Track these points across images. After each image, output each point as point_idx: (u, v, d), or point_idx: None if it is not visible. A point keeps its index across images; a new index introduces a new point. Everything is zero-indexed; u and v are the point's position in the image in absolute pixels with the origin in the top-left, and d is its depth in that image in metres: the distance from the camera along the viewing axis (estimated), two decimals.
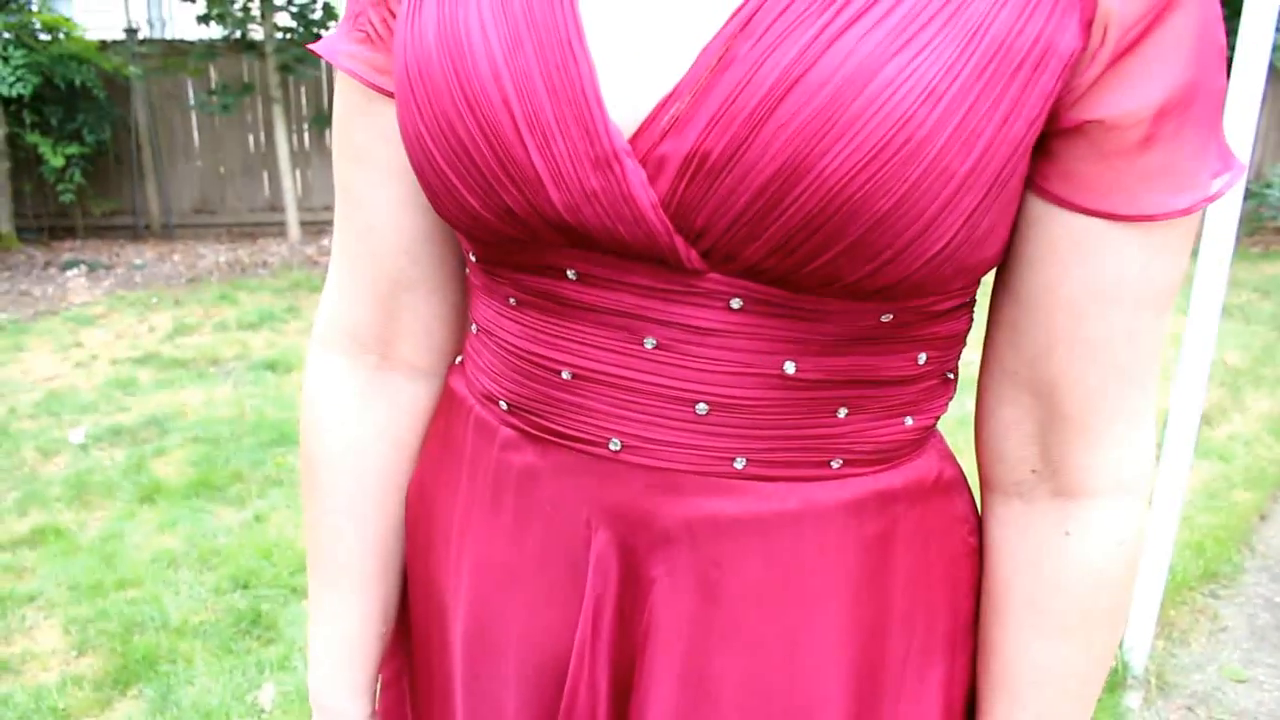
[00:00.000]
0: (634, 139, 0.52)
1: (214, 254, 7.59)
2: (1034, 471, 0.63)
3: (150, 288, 6.56)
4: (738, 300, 0.55)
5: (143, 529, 3.18)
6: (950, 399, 0.66)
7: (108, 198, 7.99)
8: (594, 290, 0.57)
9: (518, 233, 0.57)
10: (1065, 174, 0.54)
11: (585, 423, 0.60)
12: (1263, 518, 3.33)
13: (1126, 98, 0.51)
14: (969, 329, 0.64)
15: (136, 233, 8.11)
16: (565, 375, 0.60)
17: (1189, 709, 2.37)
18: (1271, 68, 8.17)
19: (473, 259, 0.64)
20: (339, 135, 0.69)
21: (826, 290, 0.53)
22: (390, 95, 0.64)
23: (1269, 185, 7.75)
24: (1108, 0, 0.50)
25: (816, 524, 0.60)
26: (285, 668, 2.44)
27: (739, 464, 0.58)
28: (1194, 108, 0.52)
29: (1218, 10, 0.53)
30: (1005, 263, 0.59)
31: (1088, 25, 0.50)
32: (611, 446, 0.59)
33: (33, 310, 5.98)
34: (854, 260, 0.51)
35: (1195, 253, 2.33)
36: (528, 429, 0.63)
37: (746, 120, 0.49)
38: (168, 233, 8.16)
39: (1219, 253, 2.21)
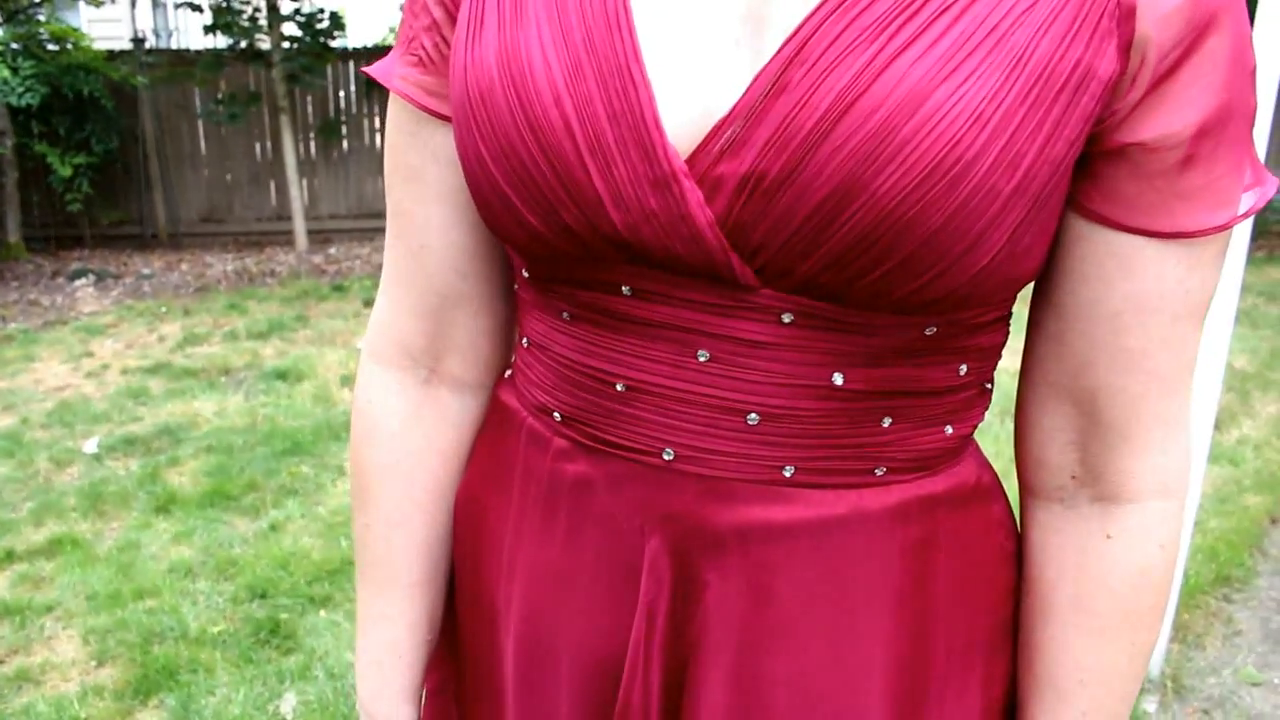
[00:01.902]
0: (690, 160, 0.54)
1: (221, 263, 7.61)
2: (1074, 477, 0.65)
3: (159, 297, 6.58)
4: (789, 315, 0.57)
5: (159, 539, 3.20)
6: (986, 408, 0.68)
7: (115, 207, 8.03)
8: (648, 305, 0.59)
9: (575, 250, 0.59)
10: (1108, 194, 0.57)
11: (639, 433, 0.62)
12: (1274, 521, 3.33)
13: (1167, 120, 0.54)
14: (1005, 340, 0.66)
15: (144, 242, 8.14)
16: (619, 387, 0.62)
17: (1205, 712, 2.38)
18: None
19: (525, 275, 0.66)
20: (391, 156, 0.71)
21: (876, 304, 0.56)
22: (441, 117, 0.66)
23: None
24: (1146, 25, 0.52)
25: (862, 529, 0.62)
26: (306, 677, 2.45)
27: (788, 472, 0.60)
28: (1229, 128, 0.55)
29: (1248, 32, 0.55)
30: (1048, 276, 0.62)
31: (1126, 49, 0.53)
32: (665, 456, 0.61)
33: (42, 320, 6.00)
34: (904, 275, 0.53)
35: None
36: (582, 440, 0.65)
37: (802, 143, 0.51)
38: (175, 242, 8.19)
39: (1232, 259, 2.23)
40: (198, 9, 7.65)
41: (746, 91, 0.53)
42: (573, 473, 0.65)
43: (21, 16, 7.77)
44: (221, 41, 7.86)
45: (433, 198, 0.69)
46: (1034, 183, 0.53)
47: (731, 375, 0.59)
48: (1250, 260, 7.19)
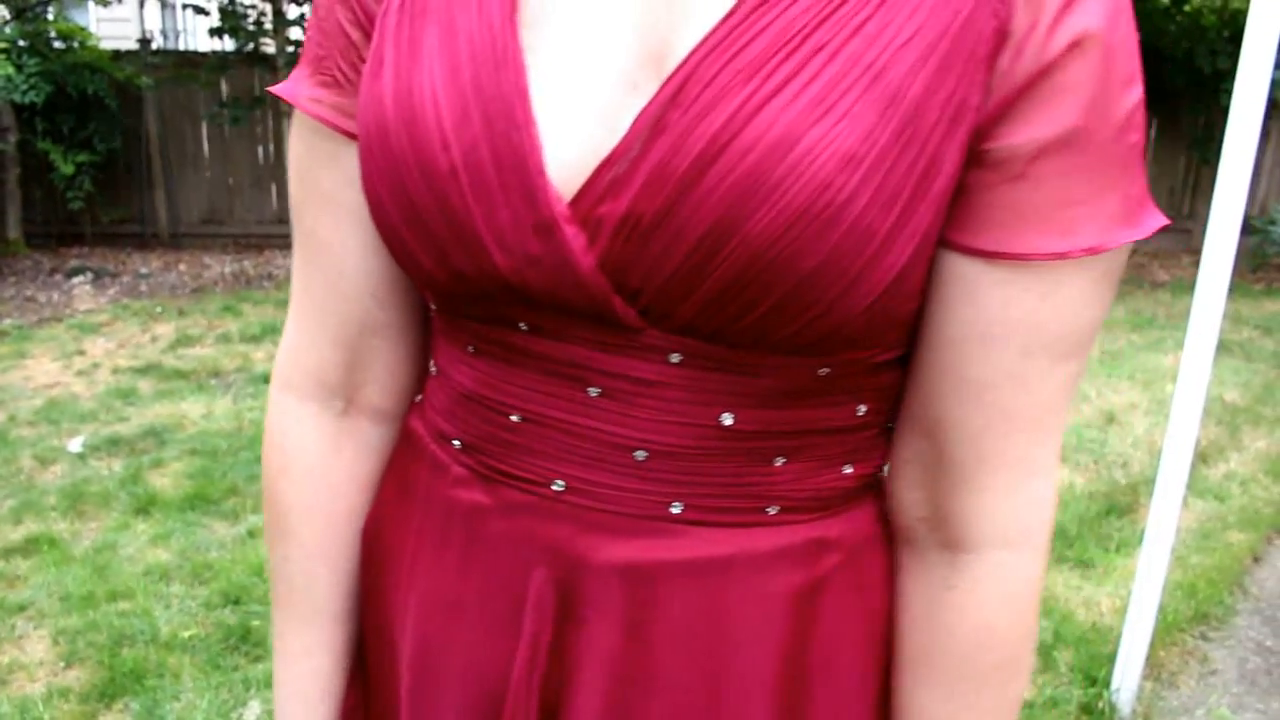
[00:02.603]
0: (575, 201, 0.54)
1: (220, 265, 7.62)
2: (922, 519, 0.64)
3: (155, 297, 6.59)
4: (676, 355, 0.57)
5: (136, 541, 3.19)
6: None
7: (116, 206, 8.04)
8: (543, 341, 0.59)
9: (469, 290, 0.59)
10: (952, 215, 0.56)
11: (531, 464, 0.62)
12: (1256, 559, 3.32)
13: (1010, 132, 0.53)
14: None
15: (144, 241, 8.15)
16: (514, 418, 0.62)
17: None
18: (1272, 103, 8.19)
19: (434, 308, 0.66)
20: (302, 181, 0.69)
21: (759, 346, 0.55)
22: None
23: (1273, 221, 7.75)
24: (1013, 44, 0.52)
25: (748, 570, 0.61)
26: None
27: (676, 509, 0.60)
28: (1086, 155, 0.53)
29: (1129, 70, 0.54)
30: None
31: (992, 69, 0.53)
32: (554, 487, 0.61)
33: (37, 317, 6.01)
34: (782, 317, 0.53)
35: (1191, 288, 2.33)
36: (479, 468, 0.65)
37: (677, 185, 0.51)
38: (175, 242, 8.20)
39: (1214, 289, 2.22)
40: (203, 12, 7.68)
41: (628, 132, 0.53)
42: (468, 500, 0.65)
43: (29, 14, 7.81)
44: (227, 44, 7.88)
45: (350, 223, 0.67)
46: (913, 220, 0.52)
47: (621, 412, 0.59)
48: (1248, 293, 7.19)
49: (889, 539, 0.67)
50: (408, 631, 0.69)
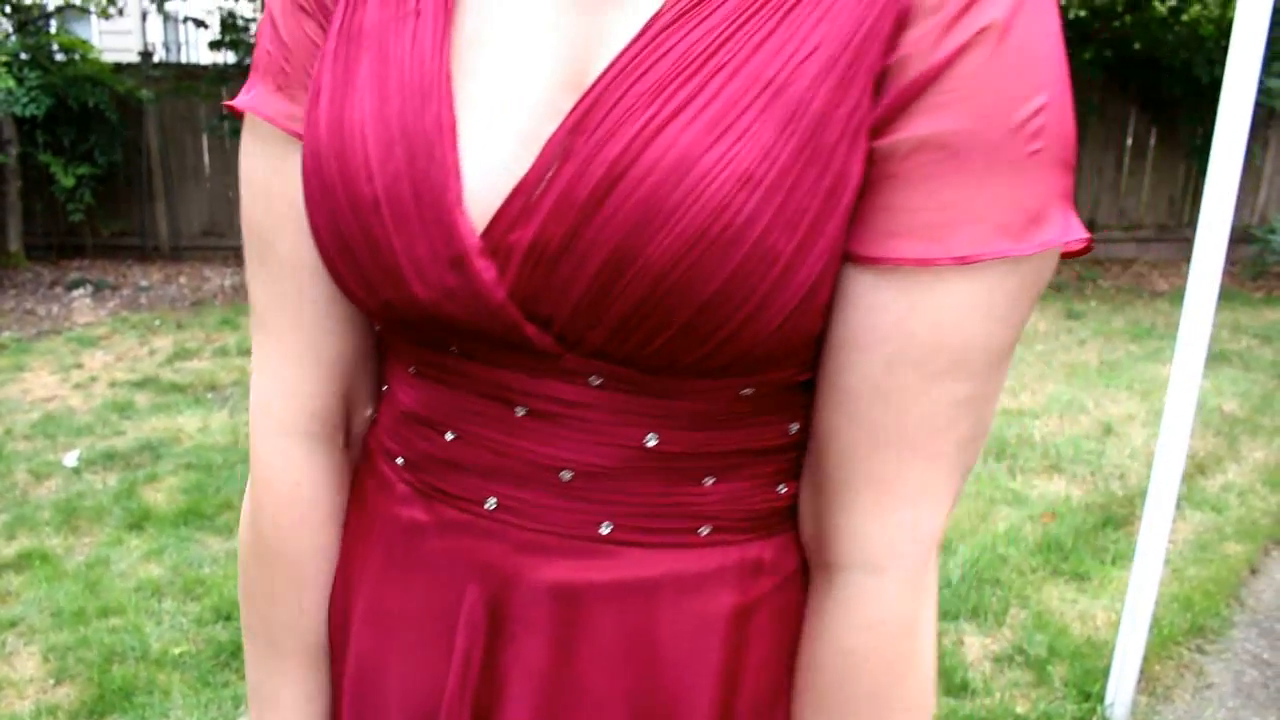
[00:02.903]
0: (488, 229, 0.54)
1: (220, 277, 7.63)
2: (810, 538, 0.63)
3: (154, 310, 6.60)
4: (597, 378, 0.57)
5: (129, 556, 3.18)
6: None
7: (117, 218, 8.05)
8: (473, 364, 0.60)
9: (398, 319, 0.60)
10: None
11: (465, 482, 0.62)
12: (1254, 571, 3.30)
13: (893, 130, 0.52)
14: None
15: (144, 253, 8.17)
16: (449, 437, 0.62)
17: None
18: (1273, 114, 8.19)
19: (378, 329, 0.67)
20: (269, 206, 0.65)
21: (673, 369, 0.55)
22: None
23: (1272, 230, 7.74)
24: (903, 51, 0.51)
25: (680, 591, 0.61)
26: None
27: (605, 529, 0.60)
28: (966, 160, 0.51)
29: (1035, 73, 0.51)
30: None
31: (883, 75, 0.52)
32: (487, 505, 0.62)
33: (36, 330, 6.02)
34: (689, 341, 0.53)
35: (1179, 299, 2.32)
36: (419, 486, 0.65)
37: (579, 211, 0.51)
38: (176, 254, 8.22)
39: (1203, 299, 2.21)
40: (203, 25, 7.71)
41: (537, 159, 0.53)
42: (409, 518, 0.65)
43: (32, 27, 7.84)
44: (229, 57, 7.91)
45: None
46: (823, 238, 0.52)
47: (547, 432, 0.59)
48: (1247, 301, 7.18)
49: None
50: (350, 648, 0.69)
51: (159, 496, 3.63)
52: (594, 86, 0.52)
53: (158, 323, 6.20)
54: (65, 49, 7.65)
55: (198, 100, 7.96)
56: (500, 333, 0.56)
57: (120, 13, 8.18)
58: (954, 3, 0.51)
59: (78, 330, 6.00)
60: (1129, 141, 8.94)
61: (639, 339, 0.53)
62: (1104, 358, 5.67)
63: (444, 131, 0.55)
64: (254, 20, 7.57)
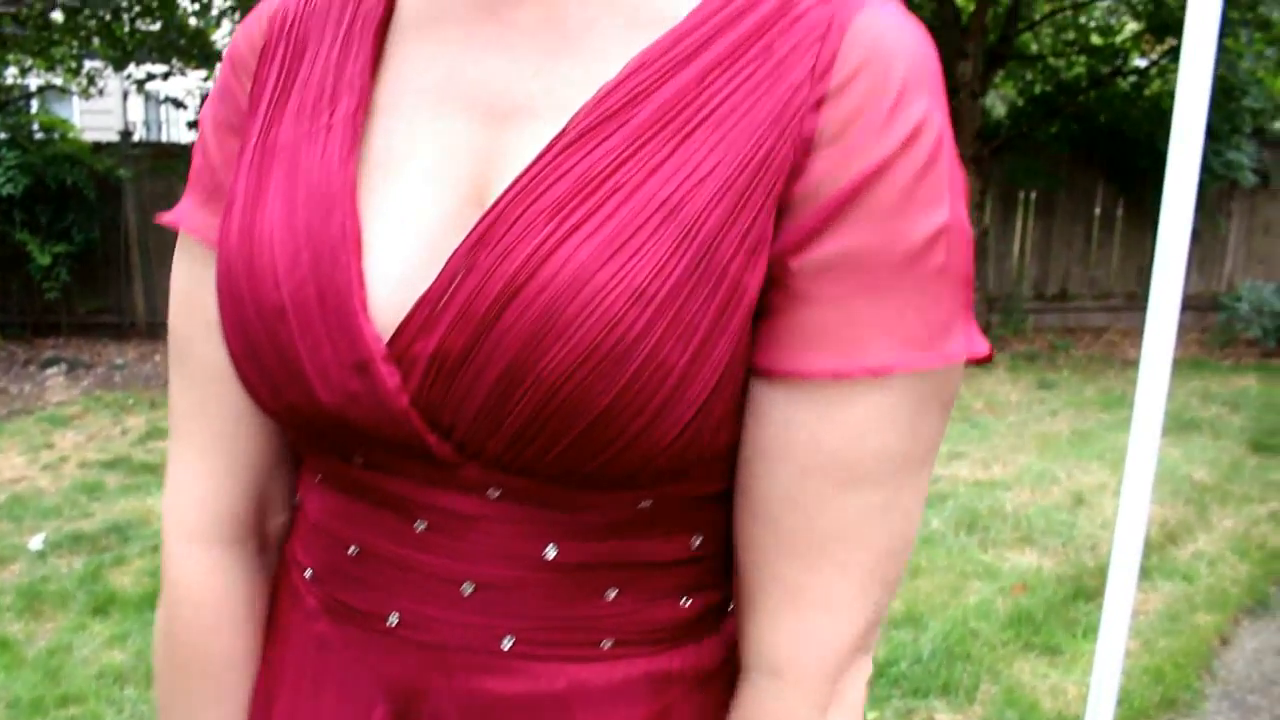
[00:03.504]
0: (393, 339, 0.56)
1: None
2: (736, 639, 0.63)
3: (129, 388, 6.57)
4: (495, 490, 0.58)
5: (92, 642, 3.14)
6: None
7: (94, 296, 8.06)
8: (376, 475, 0.60)
9: (304, 425, 0.60)
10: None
11: (367, 597, 0.62)
12: (1224, 641, 3.30)
13: (803, 254, 0.54)
14: None
15: (121, 331, 8.16)
16: (352, 551, 0.63)
17: None
18: (1236, 185, 8.37)
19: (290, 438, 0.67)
20: (190, 315, 0.67)
21: (570, 481, 0.56)
22: None
23: (1238, 298, 7.86)
24: (812, 176, 0.54)
25: (583, 705, 0.61)
26: None
27: (507, 643, 0.60)
28: (872, 276, 0.53)
29: (934, 192, 0.54)
30: None
31: (789, 198, 0.54)
32: (389, 621, 0.62)
33: (7, 409, 5.98)
34: (584, 453, 0.54)
35: (1135, 368, 2.36)
36: (325, 599, 0.65)
37: (478, 323, 0.53)
38: (153, 331, 8.21)
39: (1157, 373, 2.23)
40: (181, 105, 7.80)
41: (441, 272, 0.55)
42: (317, 632, 0.66)
43: (12, 107, 7.92)
44: None
45: None
46: (714, 352, 0.53)
47: (447, 546, 0.59)
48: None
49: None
50: None
51: (125, 579, 3.59)
52: (497, 203, 0.54)
53: (131, 401, 6.17)
54: (45, 128, 7.72)
55: (176, 179, 8.01)
56: (401, 440, 0.57)
57: (100, 93, 8.28)
58: (858, 129, 0.54)
59: (50, 409, 5.96)
60: (1097, 212, 9.11)
61: (536, 449, 0.54)
62: (1075, 427, 5.70)
63: (348, 239, 0.57)
64: None
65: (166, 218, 0.69)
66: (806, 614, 0.58)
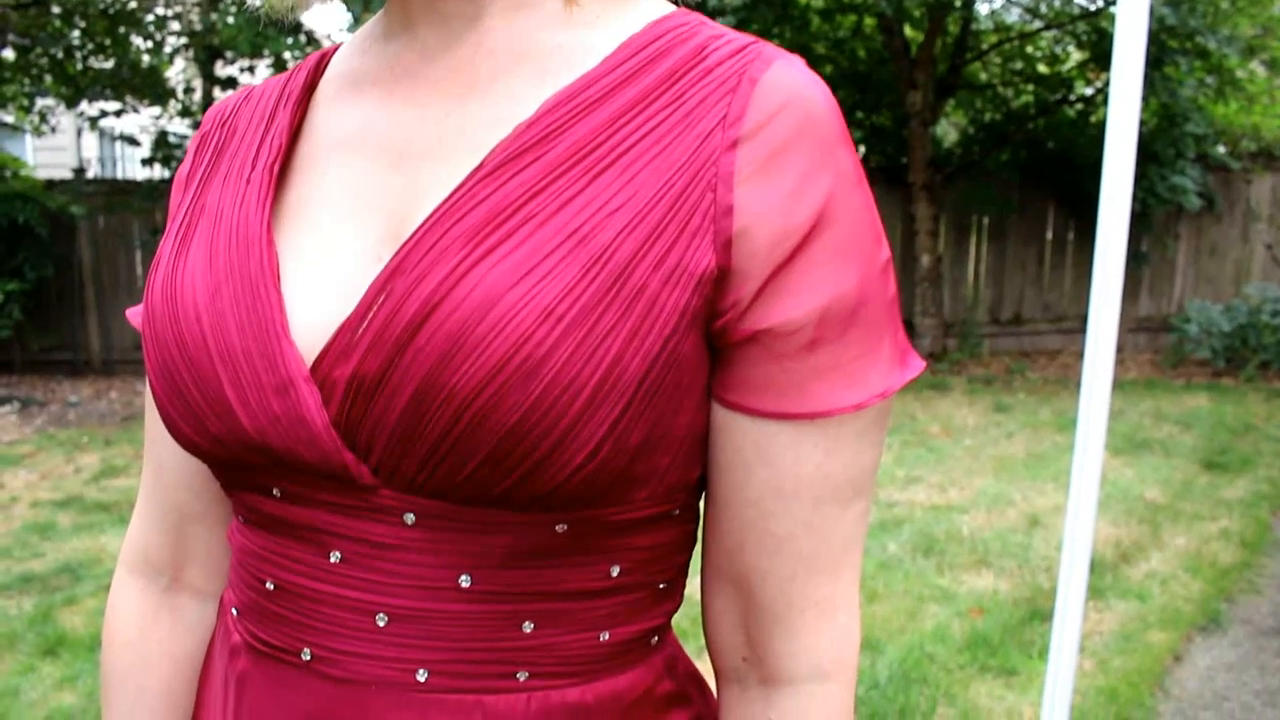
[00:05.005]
0: (315, 364, 0.58)
1: None
2: (745, 659, 0.66)
3: (83, 426, 6.48)
4: (411, 515, 0.59)
5: (41, 684, 3.08)
6: (674, 608, 0.68)
7: (47, 333, 7.96)
8: (292, 507, 0.62)
9: (226, 457, 0.62)
10: (742, 382, 0.59)
11: (282, 632, 0.63)
12: (1177, 659, 3.33)
13: (790, 306, 0.57)
14: (683, 539, 0.66)
15: (75, 368, 8.06)
16: (269, 586, 0.64)
17: None
18: (1182, 209, 8.54)
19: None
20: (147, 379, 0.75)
21: (483, 501, 0.57)
22: None
23: (1188, 320, 8.00)
24: (745, 221, 0.56)
25: None
26: None
27: (421, 676, 0.60)
28: (861, 312, 0.59)
29: (874, 230, 0.60)
30: (706, 465, 0.63)
31: (727, 245, 0.56)
32: (303, 656, 0.62)
33: None
34: (495, 472, 0.55)
35: (1117, 388, 2.41)
36: (247, 636, 0.66)
37: (393, 346, 0.55)
38: (108, 369, 8.12)
39: (1095, 395, 2.28)
40: (135, 143, 7.76)
41: (360, 300, 0.57)
42: (240, 669, 0.66)
43: None
44: (164, 173, 7.94)
45: None
46: (624, 376, 0.55)
47: (361, 576, 0.60)
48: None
49: (666, 704, 0.67)
50: None
51: (77, 620, 3.53)
52: (415, 233, 0.57)
53: (85, 439, 6.09)
54: None
55: (131, 215, 7.96)
56: (319, 462, 0.58)
57: (53, 130, 8.21)
58: (785, 168, 0.57)
59: (1, 449, 5.87)
60: (1049, 236, 9.27)
61: (448, 468, 0.56)
62: (1030, 450, 5.77)
63: (266, 272, 0.59)
64: (186, 137, 7.64)
65: (134, 314, 0.74)
66: (837, 618, 0.64)
